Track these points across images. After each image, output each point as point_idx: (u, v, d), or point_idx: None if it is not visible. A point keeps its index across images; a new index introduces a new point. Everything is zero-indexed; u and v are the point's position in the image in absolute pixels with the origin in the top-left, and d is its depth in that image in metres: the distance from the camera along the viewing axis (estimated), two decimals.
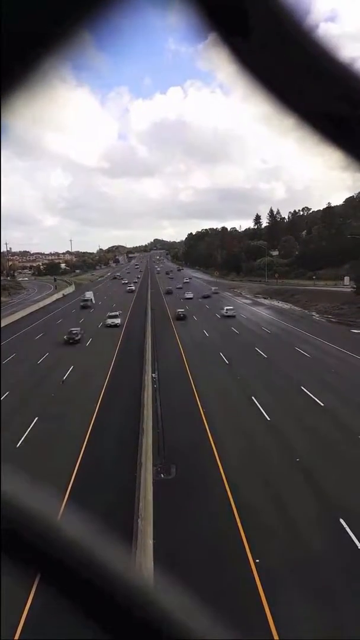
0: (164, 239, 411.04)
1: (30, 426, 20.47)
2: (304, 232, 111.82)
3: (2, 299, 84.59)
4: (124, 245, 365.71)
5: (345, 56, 0.45)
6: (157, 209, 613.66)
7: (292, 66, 0.44)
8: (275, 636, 9.15)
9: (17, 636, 9.42)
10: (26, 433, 19.72)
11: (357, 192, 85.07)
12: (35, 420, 21.13)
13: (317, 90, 0.45)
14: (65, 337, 40.63)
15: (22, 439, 19.17)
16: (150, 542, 11.14)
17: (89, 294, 72.98)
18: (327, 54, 0.44)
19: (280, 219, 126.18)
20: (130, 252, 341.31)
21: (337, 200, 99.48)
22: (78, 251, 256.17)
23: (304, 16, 0.44)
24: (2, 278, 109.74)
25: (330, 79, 0.44)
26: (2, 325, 50.66)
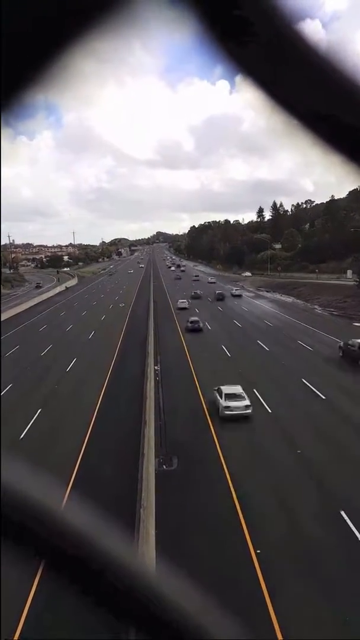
0: (167, 232, 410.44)
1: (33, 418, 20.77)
2: (307, 225, 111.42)
3: (4, 291, 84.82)
4: (127, 238, 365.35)
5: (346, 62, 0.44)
6: (180, 202, 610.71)
7: (293, 72, 0.44)
8: (275, 624, 9.29)
9: (21, 623, 9.59)
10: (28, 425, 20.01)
11: None
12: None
13: (319, 96, 0.45)
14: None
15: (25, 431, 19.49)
16: (153, 531, 11.28)
17: None
18: (328, 60, 0.44)
19: (284, 212, 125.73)
20: (133, 244, 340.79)
21: (341, 193, 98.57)
22: (81, 244, 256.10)
23: (304, 21, 0.44)
24: (4, 270, 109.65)
25: (332, 85, 0.44)
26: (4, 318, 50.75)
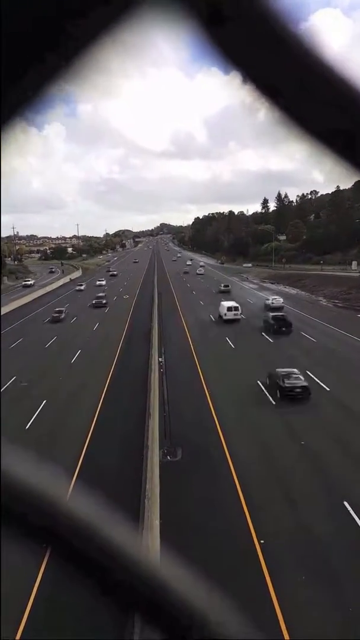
0: (171, 224, 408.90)
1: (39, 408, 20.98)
2: (312, 216, 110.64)
3: (10, 282, 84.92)
4: (131, 230, 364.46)
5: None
6: (189, 193, 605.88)
7: (292, 74, 0.45)
8: (279, 614, 9.38)
9: (28, 609, 9.74)
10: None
11: None
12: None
13: (318, 102, 0.46)
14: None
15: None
16: (157, 522, 11.38)
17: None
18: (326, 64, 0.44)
19: (288, 202, 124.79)
20: (137, 236, 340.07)
21: (346, 183, 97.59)
22: (85, 235, 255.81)
23: (302, 25, 0.44)
24: (8, 262, 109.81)
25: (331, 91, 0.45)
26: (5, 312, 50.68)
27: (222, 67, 0.45)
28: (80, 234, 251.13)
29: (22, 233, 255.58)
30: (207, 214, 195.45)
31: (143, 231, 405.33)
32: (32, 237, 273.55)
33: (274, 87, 0.46)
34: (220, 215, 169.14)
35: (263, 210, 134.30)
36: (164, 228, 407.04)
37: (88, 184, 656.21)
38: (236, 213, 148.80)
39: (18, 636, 9.19)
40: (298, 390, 20.64)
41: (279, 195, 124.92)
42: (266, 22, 0.43)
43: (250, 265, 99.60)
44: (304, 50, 0.44)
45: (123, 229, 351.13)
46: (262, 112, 0.45)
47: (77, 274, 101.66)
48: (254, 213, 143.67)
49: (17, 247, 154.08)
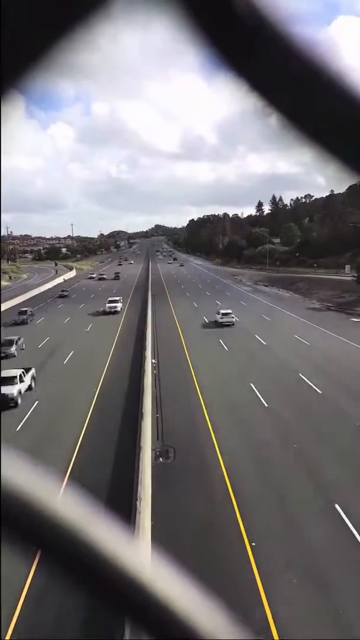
0: (166, 225, 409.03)
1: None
2: (306, 220, 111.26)
3: (3, 282, 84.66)
4: (125, 231, 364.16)
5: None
6: (189, 194, 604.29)
7: (296, 85, 0.45)
8: (270, 618, 9.40)
9: (18, 610, 9.69)
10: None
11: None
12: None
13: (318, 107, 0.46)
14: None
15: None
16: (149, 523, 11.36)
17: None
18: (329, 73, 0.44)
19: (283, 205, 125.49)
20: (131, 237, 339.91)
21: (340, 187, 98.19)
22: (79, 236, 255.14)
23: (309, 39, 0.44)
24: (2, 262, 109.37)
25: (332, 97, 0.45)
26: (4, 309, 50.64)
27: (229, 76, 0.45)
28: (76, 234, 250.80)
29: (20, 232, 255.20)
30: (201, 216, 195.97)
31: (137, 232, 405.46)
32: (26, 237, 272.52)
33: (278, 97, 0.46)
34: (215, 217, 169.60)
35: (258, 213, 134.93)
36: (158, 230, 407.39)
37: (92, 184, 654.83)
38: (231, 215, 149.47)
39: (8, 636, 9.16)
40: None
41: (274, 198, 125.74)
42: (269, 31, 0.43)
43: (234, 269, 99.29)
44: (309, 59, 0.44)
45: (118, 230, 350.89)
46: (271, 118, 0.46)
47: (71, 273, 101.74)
48: (248, 216, 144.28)
49: (11, 247, 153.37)
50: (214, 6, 0.43)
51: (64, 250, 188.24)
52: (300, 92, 0.45)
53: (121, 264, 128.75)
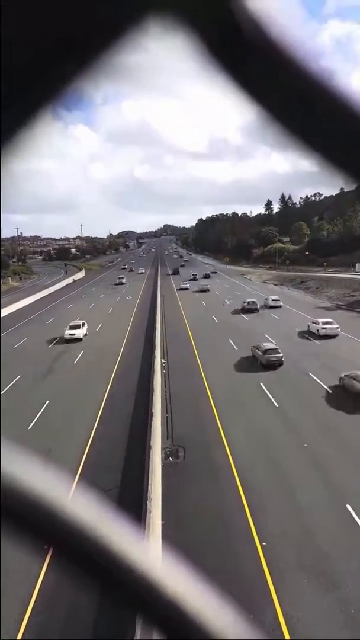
0: (174, 225, 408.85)
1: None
2: (316, 218, 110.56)
3: (14, 283, 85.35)
4: (134, 231, 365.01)
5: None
6: (206, 193, 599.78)
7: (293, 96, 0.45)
8: (281, 618, 9.39)
9: (30, 608, 9.79)
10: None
11: None
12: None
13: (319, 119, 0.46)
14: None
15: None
16: (159, 522, 11.40)
17: None
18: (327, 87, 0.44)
19: (292, 204, 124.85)
20: (140, 237, 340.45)
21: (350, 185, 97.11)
22: (88, 236, 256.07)
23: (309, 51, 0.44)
24: (11, 262, 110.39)
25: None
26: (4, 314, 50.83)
27: (230, 86, 0.45)
28: (85, 234, 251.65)
29: (33, 233, 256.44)
30: (210, 215, 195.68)
31: (147, 232, 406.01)
32: (36, 238, 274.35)
33: (279, 111, 0.46)
34: (224, 216, 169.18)
35: (267, 212, 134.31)
36: (167, 229, 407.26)
37: (109, 185, 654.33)
38: (239, 215, 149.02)
39: (19, 636, 9.24)
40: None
41: (283, 196, 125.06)
42: (269, 42, 0.43)
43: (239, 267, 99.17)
44: (308, 75, 0.44)
45: (127, 230, 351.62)
46: (273, 126, 0.46)
47: (80, 274, 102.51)
48: (257, 214, 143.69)
49: (21, 248, 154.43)
50: (218, 19, 0.43)
51: (73, 250, 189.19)
52: (299, 101, 0.45)
53: (122, 281, 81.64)
